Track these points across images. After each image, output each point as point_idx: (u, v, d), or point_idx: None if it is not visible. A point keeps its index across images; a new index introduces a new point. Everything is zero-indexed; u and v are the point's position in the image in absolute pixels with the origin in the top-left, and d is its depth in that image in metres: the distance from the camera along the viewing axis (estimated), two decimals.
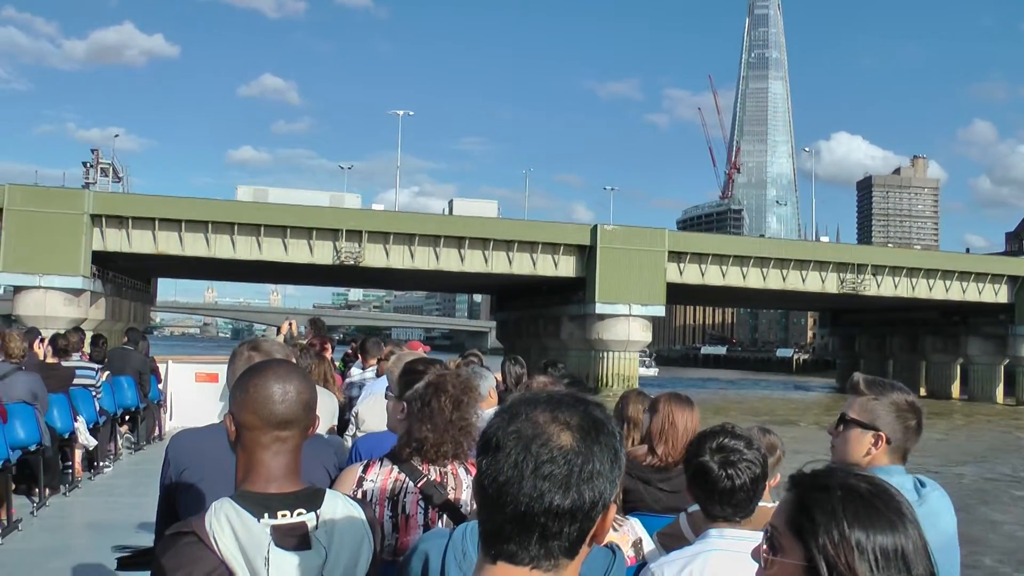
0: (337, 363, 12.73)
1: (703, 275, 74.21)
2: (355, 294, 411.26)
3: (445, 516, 3.63)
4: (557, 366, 9.39)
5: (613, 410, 5.63)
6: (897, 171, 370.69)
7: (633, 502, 4.77)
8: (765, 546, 1.81)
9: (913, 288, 78.49)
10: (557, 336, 77.45)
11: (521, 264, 70.81)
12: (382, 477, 3.69)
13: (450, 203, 75.52)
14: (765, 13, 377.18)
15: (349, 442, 6.36)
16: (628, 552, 3.71)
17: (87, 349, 15.75)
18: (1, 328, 12.38)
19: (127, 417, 16.38)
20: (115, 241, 65.62)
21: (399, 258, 68.94)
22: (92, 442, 12.89)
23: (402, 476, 3.68)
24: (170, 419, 19.16)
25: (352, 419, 7.25)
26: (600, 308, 69.86)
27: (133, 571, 4.23)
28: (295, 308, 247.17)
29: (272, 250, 67.25)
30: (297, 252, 67.62)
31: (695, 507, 3.53)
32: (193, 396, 18.63)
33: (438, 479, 3.68)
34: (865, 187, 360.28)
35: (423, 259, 69.17)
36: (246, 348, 3.96)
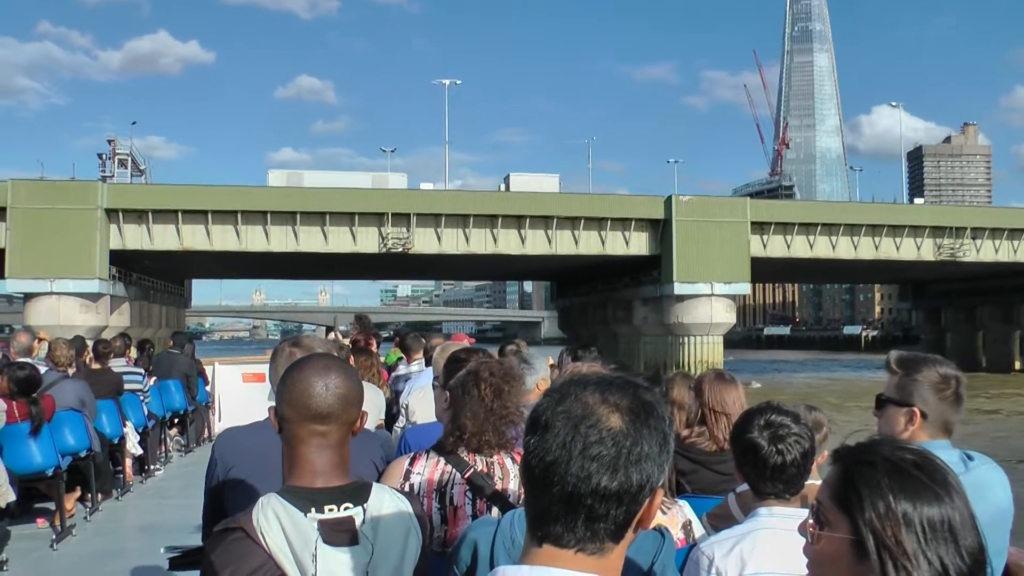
0: (384, 358, 12.44)
1: (788, 247, 66.41)
2: (403, 290, 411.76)
3: (493, 507, 3.60)
4: (589, 349, 8.83)
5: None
6: (948, 140, 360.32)
7: (691, 484, 4.78)
8: (812, 521, 1.82)
9: (1015, 251, 70.29)
10: (628, 322, 70.35)
11: (588, 243, 63.27)
12: (429, 469, 3.69)
13: (506, 179, 68.00)
14: None
15: (398, 434, 6.53)
16: (678, 534, 3.66)
17: (133, 354, 15.74)
18: (32, 334, 12.27)
19: (176, 420, 16.43)
20: (135, 238, 58.79)
21: (452, 242, 61.64)
22: (138, 450, 12.94)
23: (449, 468, 3.67)
24: (219, 420, 18.84)
25: (402, 411, 7.21)
26: (679, 288, 62.24)
27: (185, 571, 4.26)
28: (343, 306, 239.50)
29: (310, 240, 60.22)
30: (338, 241, 60.53)
31: (744, 487, 3.45)
32: (241, 397, 18.58)
33: (485, 469, 3.67)
34: (915, 157, 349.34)
35: (479, 242, 61.86)
36: (287, 345, 3.94)
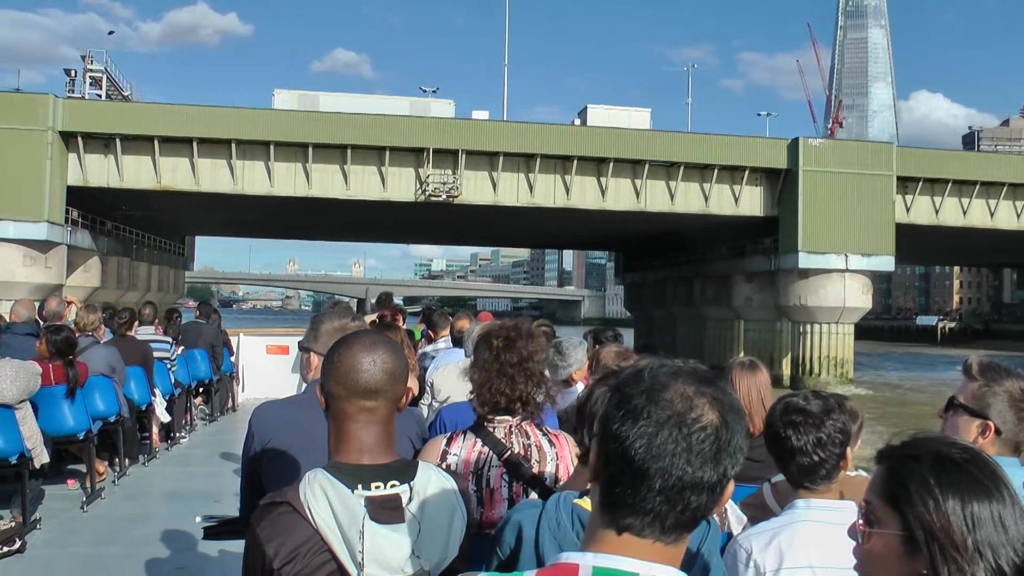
0: (414, 329, 12.74)
1: (937, 212, 51.94)
2: (438, 264, 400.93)
3: (530, 489, 3.59)
4: (610, 332, 8.28)
5: None
6: (1006, 122, 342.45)
7: None
8: (861, 520, 1.81)
9: None
10: (724, 302, 56.70)
11: (686, 198, 49.19)
12: (466, 450, 3.65)
13: (582, 113, 53.47)
14: None
15: (425, 411, 6.51)
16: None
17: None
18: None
19: (201, 389, 16.46)
20: (99, 172, 45.84)
21: (510, 190, 47.78)
22: (166, 417, 13.13)
23: (486, 449, 3.64)
24: (243, 391, 18.94)
25: (427, 389, 7.12)
26: (804, 260, 48.15)
27: (219, 540, 4.57)
28: (376, 279, 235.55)
29: (326, 182, 46.64)
30: (363, 184, 46.94)
31: (779, 477, 3.42)
32: (265, 368, 18.86)
33: (522, 452, 3.66)
34: (970, 142, 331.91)
35: (546, 191, 47.93)
36: (324, 319, 3.88)
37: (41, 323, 11.08)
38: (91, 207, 47.68)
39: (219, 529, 4.33)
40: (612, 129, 48.01)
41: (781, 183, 48.97)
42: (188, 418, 15.17)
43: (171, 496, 10.75)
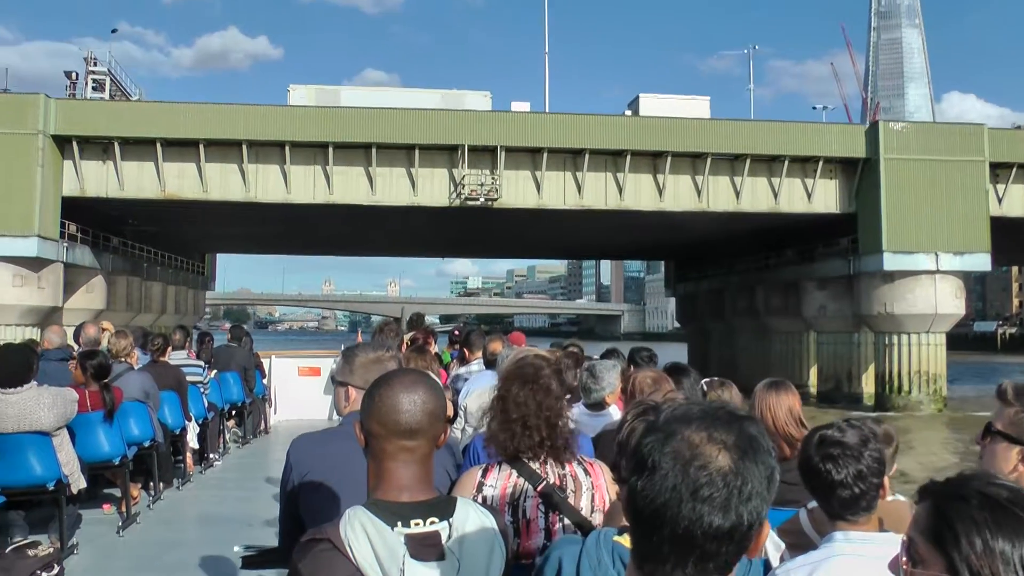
0: (442, 352, 12.75)
1: None
2: (474, 281, 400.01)
3: (566, 520, 3.61)
4: (616, 354, 8.91)
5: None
6: None
7: None
8: (904, 557, 1.83)
9: None
10: (792, 312, 51.11)
11: (753, 196, 43.79)
12: (501, 481, 3.66)
13: (633, 102, 48.10)
14: None
15: (458, 435, 6.59)
16: None
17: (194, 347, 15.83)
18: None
19: (234, 412, 16.58)
20: (97, 180, 41.34)
21: (556, 191, 42.59)
22: (196, 444, 13.18)
23: (522, 480, 3.65)
24: (275, 413, 19.01)
25: (461, 414, 7.14)
26: (890, 262, 42.61)
27: (257, 569, 4.58)
28: (411, 298, 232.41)
29: (349, 187, 41.65)
30: (390, 188, 41.88)
31: (815, 503, 3.36)
32: (297, 390, 18.94)
33: (557, 482, 3.66)
34: None
35: (596, 191, 42.70)
36: (359, 351, 3.94)
37: (75, 349, 11.07)
38: (94, 221, 43.23)
39: (257, 559, 4.48)
40: (669, 119, 42.72)
41: (859, 175, 43.54)
42: (221, 441, 15.25)
43: (206, 520, 10.80)
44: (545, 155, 41.32)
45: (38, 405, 7.95)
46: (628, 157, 41.70)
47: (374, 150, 40.55)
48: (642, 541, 1.61)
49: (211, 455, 14.01)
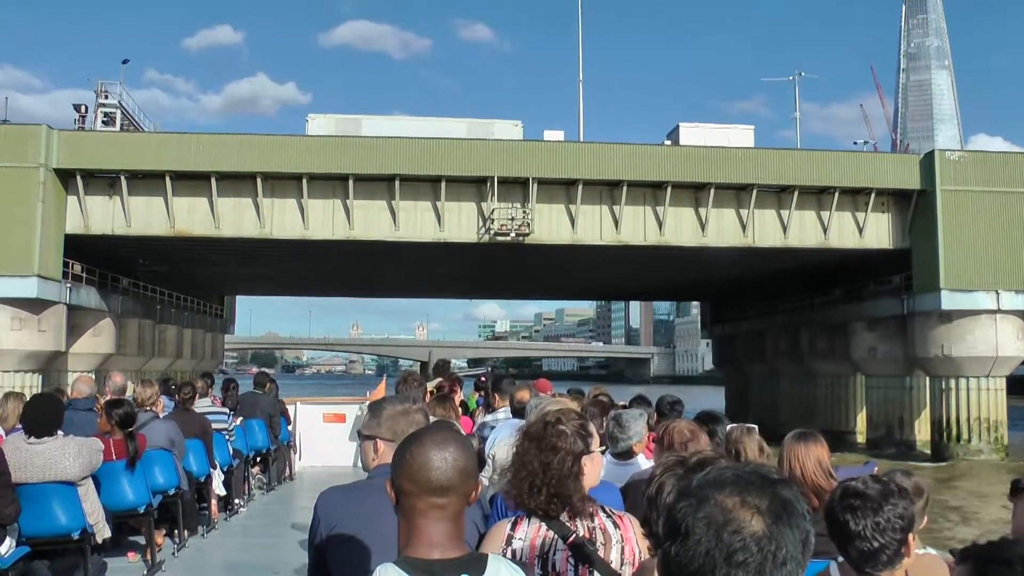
0: (468, 399, 13.22)
1: None
2: (502, 325, 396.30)
3: (596, 573, 3.56)
4: (643, 402, 8.96)
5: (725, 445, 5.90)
6: None
7: None
8: None
9: None
10: (840, 355, 48.15)
11: (802, 230, 40.99)
12: (531, 534, 3.62)
13: (673, 132, 45.37)
14: None
15: (484, 482, 6.48)
16: None
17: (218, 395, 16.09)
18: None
19: (259, 459, 16.51)
20: (103, 217, 38.77)
21: (592, 226, 39.93)
22: (222, 491, 13.12)
23: (551, 533, 3.60)
24: (299, 459, 18.88)
25: (489, 462, 7.16)
26: (948, 301, 39.56)
27: None
28: (439, 341, 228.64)
29: (371, 222, 39.19)
30: (415, 223, 39.39)
31: None
32: (321, 437, 18.94)
33: (587, 535, 3.62)
34: None
35: (634, 226, 40.04)
36: (386, 404, 3.99)
37: (100, 399, 11.21)
38: (102, 261, 40.98)
39: None
40: (713, 148, 39.97)
41: (913, 207, 40.64)
42: (246, 487, 15.18)
43: (230, 568, 10.87)
44: (580, 187, 38.68)
45: (64, 455, 7.98)
46: (669, 189, 39.04)
47: (397, 182, 38.02)
48: None
49: (236, 501, 14.04)
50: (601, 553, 3.59)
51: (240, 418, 15.32)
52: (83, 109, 45.33)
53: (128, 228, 38.22)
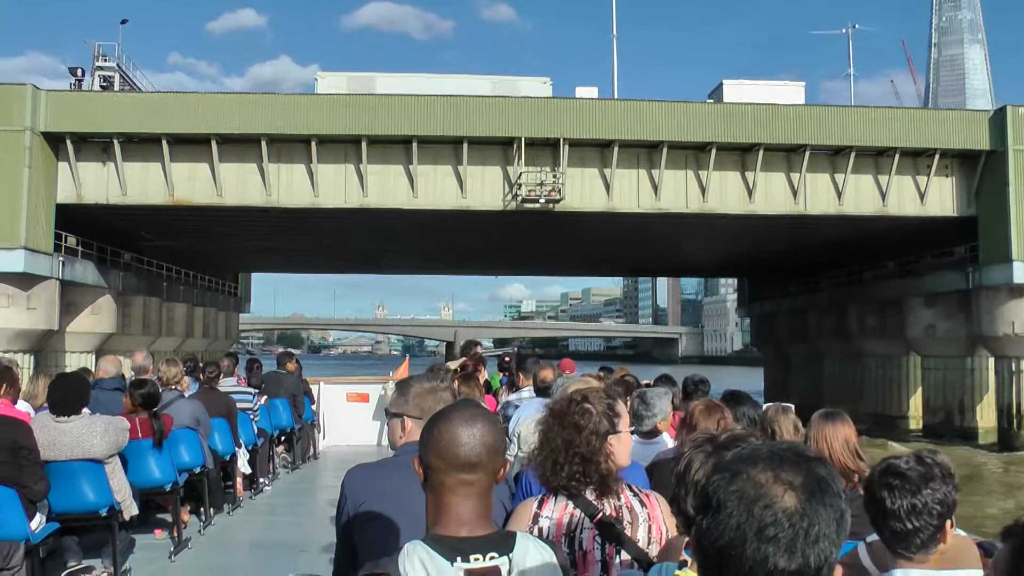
0: (491, 378, 13.05)
1: None
2: (527, 305, 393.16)
3: (622, 551, 3.56)
4: (668, 381, 9.11)
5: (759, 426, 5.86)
6: None
7: None
8: None
9: None
10: (893, 334, 44.45)
11: (858, 195, 37.49)
12: (557, 513, 3.63)
13: (716, 90, 41.76)
14: None
15: (510, 459, 5.60)
16: None
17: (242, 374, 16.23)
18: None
19: (283, 438, 16.72)
20: (96, 184, 35.60)
21: (629, 192, 36.60)
22: (248, 469, 13.36)
23: (578, 512, 3.62)
24: (323, 439, 18.95)
25: (514, 440, 7.18)
26: (1020, 273, 35.99)
27: None
28: (464, 321, 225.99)
29: (387, 188, 36.03)
30: (434, 190, 36.20)
31: (875, 536, 3.34)
32: (345, 416, 19.18)
33: (613, 514, 3.62)
34: None
35: (675, 192, 36.69)
36: (413, 382, 3.98)
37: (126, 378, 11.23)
38: (102, 235, 38.03)
39: None
40: (761, 105, 36.44)
41: (981, 170, 36.95)
42: (271, 466, 15.21)
43: (256, 546, 10.96)
44: (616, 150, 35.28)
45: (91, 433, 8.11)
46: (713, 152, 35.56)
47: (415, 145, 34.75)
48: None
49: (261, 480, 14.12)
50: (628, 532, 3.57)
51: (265, 397, 15.44)
52: (79, 72, 42.28)
53: (124, 197, 35.17)
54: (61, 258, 35.11)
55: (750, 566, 1.52)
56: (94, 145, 35.14)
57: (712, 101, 39.99)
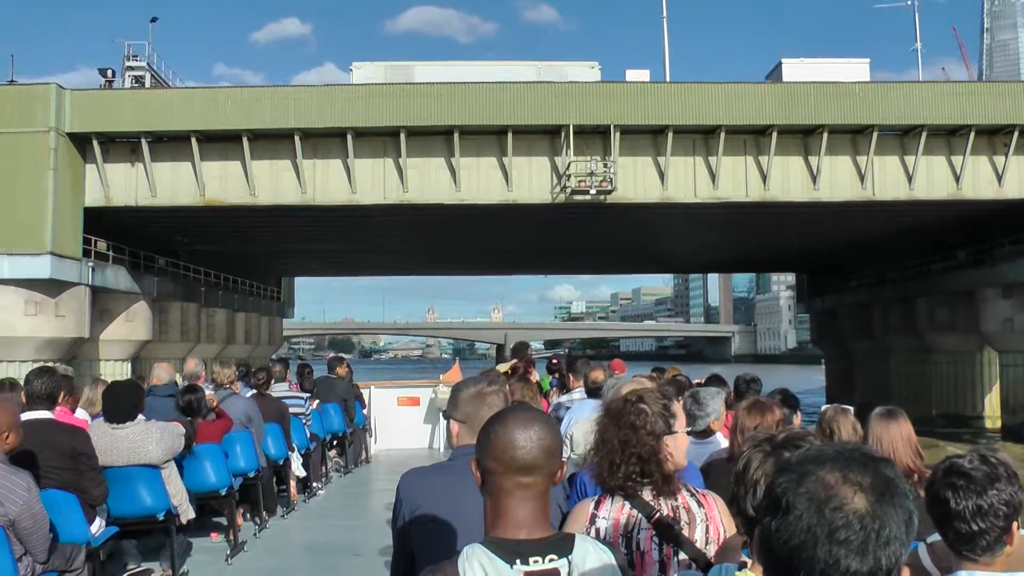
0: (541, 378, 12.71)
1: None
2: (577, 306, 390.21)
3: (680, 552, 3.55)
4: (719, 380, 8.95)
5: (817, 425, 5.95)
6: None
7: None
8: None
9: None
10: (966, 328, 42.03)
11: (930, 179, 35.04)
12: (614, 513, 3.61)
13: (776, 68, 39.50)
14: None
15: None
16: None
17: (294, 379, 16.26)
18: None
19: (335, 442, 16.75)
20: (124, 186, 34.37)
21: (685, 181, 34.46)
22: (302, 472, 13.51)
23: (635, 512, 3.60)
24: (375, 442, 19.10)
25: (566, 441, 6.57)
26: None
27: None
28: (514, 323, 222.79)
29: (428, 182, 34.25)
30: (478, 183, 34.34)
31: (935, 536, 3.31)
32: (396, 420, 19.29)
33: (670, 514, 3.60)
34: None
35: (734, 180, 34.53)
36: (473, 383, 3.95)
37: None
38: (135, 240, 36.79)
39: None
40: (824, 84, 34.11)
41: None
42: (324, 470, 15.24)
43: (311, 549, 10.99)
44: (670, 136, 33.20)
45: (147, 439, 8.28)
46: (774, 135, 33.36)
47: (456, 136, 32.92)
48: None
49: (315, 484, 14.13)
50: (685, 532, 3.54)
51: (316, 402, 15.40)
52: (109, 74, 40.84)
53: (153, 198, 33.67)
54: (91, 264, 33.69)
55: (821, 568, 1.50)
56: (122, 146, 33.70)
57: (771, 82, 37.72)
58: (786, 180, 34.38)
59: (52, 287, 31.93)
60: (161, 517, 8.37)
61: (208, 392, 10.94)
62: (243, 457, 10.70)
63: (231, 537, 10.02)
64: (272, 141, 33.37)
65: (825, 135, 33.43)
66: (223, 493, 9.94)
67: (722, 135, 33.29)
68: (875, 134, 33.52)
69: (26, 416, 7.32)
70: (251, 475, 10.96)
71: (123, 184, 33.78)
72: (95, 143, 32.89)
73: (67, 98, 32.55)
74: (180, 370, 13.46)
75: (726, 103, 33.40)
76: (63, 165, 32.20)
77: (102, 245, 34.93)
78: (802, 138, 34.19)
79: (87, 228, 33.61)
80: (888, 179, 34.71)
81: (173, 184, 33.68)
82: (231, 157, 33.52)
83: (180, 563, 8.73)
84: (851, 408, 5.99)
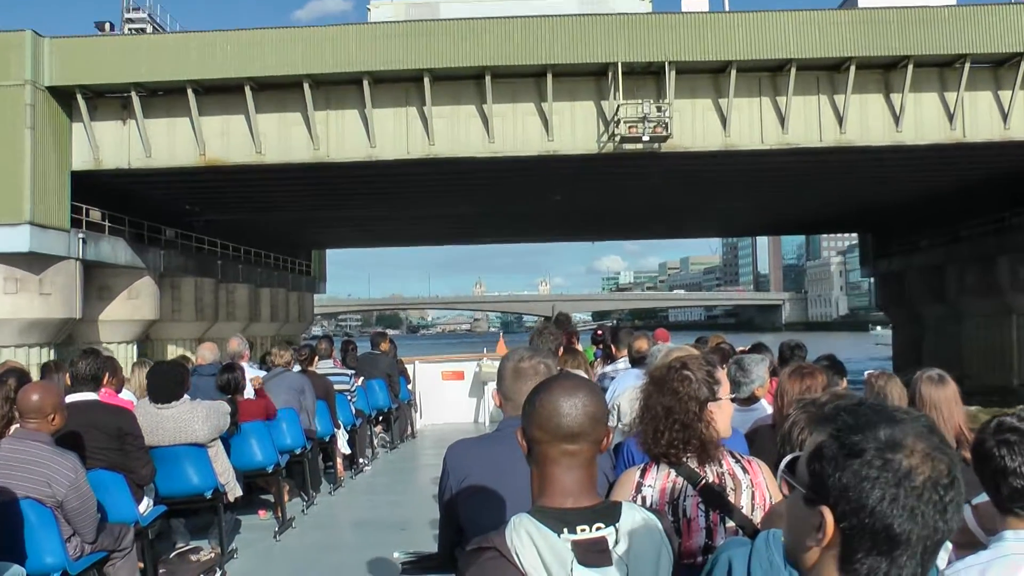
0: (584, 349, 12.31)
1: None
2: (625, 277, 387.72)
3: (727, 519, 3.49)
4: (763, 348, 8.58)
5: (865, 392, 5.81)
6: None
7: None
8: None
9: None
10: None
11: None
12: (660, 481, 3.57)
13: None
14: None
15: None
16: None
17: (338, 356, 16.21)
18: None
19: (380, 418, 16.81)
20: (114, 146, 30.86)
21: (749, 126, 30.41)
22: (347, 449, 13.55)
23: (680, 479, 3.54)
24: (420, 418, 19.16)
25: (613, 412, 6.80)
26: None
27: (417, 575, 4.51)
28: (561, 295, 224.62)
29: (457, 133, 30.43)
30: (514, 132, 30.44)
31: (980, 498, 3.20)
32: (441, 394, 19.36)
33: (716, 480, 3.54)
34: None
35: (806, 123, 30.40)
36: (514, 357, 3.89)
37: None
38: (138, 209, 33.80)
39: (417, 566, 4.42)
40: (908, 9, 29.77)
41: None
42: (370, 447, 15.31)
43: (359, 525, 10.92)
44: (733, 74, 29.12)
45: (192, 418, 8.32)
46: (852, 70, 29.17)
47: (488, 79, 29.08)
48: (876, 564, 1.55)
49: (361, 460, 14.08)
50: (731, 498, 3.50)
51: (361, 378, 15.24)
52: (106, 27, 37.34)
53: (148, 159, 30.19)
54: (81, 235, 30.23)
55: (938, 539, 1.52)
56: (111, 101, 30.23)
57: (846, 8, 33.30)
58: (865, 122, 30.24)
59: (34, 261, 28.54)
60: (208, 495, 8.38)
61: (252, 374, 10.80)
62: (289, 434, 10.71)
63: (279, 514, 10.03)
64: (279, 92, 29.66)
65: (910, 68, 29.22)
66: (270, 471, 9.98)
67: (792, 72, 29.13)
68: (967, 66, 29.20)
69: (71, 398, 7.25)
70: (297, 452, 10.94)
71: (114, 144, 30.37)
72: (80, 98, 29.38)
73: (45, 47, 28.98)
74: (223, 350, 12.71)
75: (796, 34, 29.21)
76: (43, 123, 28.70)
77: (96, 214, 31.43)
78: (882, 73, 30.03)
79: (79, 196, 30.27)
80: (980, 118, 30.56)
81: (170, 143, 30.20)
82: (233, 111, 29.87)
83: (228, 541, 8.73)
84: (895, 375, 5.72)
